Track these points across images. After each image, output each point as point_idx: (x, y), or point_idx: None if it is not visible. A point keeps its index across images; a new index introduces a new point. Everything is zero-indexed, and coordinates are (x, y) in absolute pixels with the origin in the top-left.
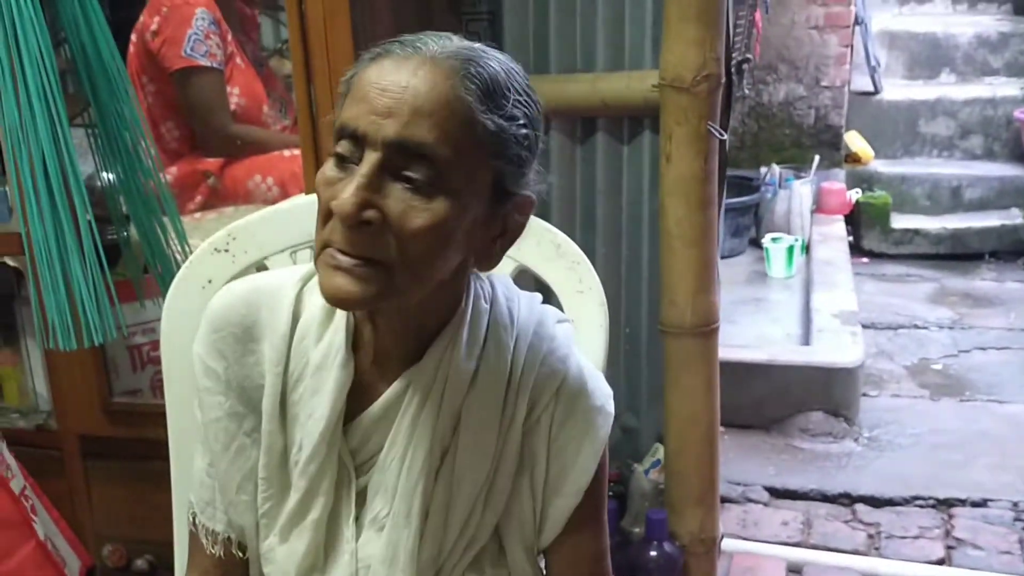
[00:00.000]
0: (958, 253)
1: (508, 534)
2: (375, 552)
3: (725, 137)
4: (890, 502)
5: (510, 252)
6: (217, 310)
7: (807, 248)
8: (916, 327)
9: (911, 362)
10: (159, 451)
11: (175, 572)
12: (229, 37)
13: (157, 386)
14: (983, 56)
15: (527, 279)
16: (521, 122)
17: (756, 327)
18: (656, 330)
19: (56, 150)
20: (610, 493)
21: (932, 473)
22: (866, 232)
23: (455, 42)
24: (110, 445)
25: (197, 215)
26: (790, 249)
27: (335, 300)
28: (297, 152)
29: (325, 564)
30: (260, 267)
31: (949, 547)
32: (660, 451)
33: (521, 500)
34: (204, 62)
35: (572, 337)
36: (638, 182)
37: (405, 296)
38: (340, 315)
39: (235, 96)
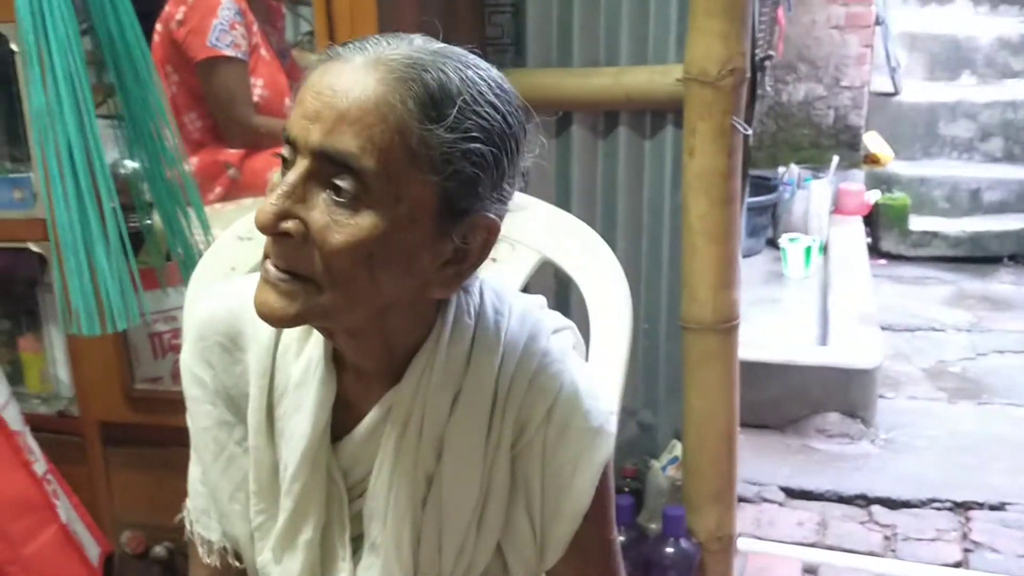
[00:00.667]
0: (977, 256)
1: (510, 557)
2: None
3: (749, 132)
4: (906, 504)
5: (533, 243)
6: (202, 318)
7: (824, 249)
8: (934, 329)
9: (928, 364)
10: (179, 438)
11: None
12: (254, 28)
13: (178, 373)
14: (1004, 58)
15: (549, 271)
16: (473, 135)
17: (773, 327)
18: (675, 326)
19: (82, 136)
20: (627, 489)
21: (949, 476)
22: (884, 234)
23: (414, 44)
24: (131, 432)
25: (217, 206)
26: (808, 249)
27: (260, 314)
28: None
29: None
30: None
31: (966, 550)
32: (678, 448)
33: (519, 524)
34: (229, 52)
35: (569, 348)
36: (660, 177)
37: (336, 318)
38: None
39: (258, 87)
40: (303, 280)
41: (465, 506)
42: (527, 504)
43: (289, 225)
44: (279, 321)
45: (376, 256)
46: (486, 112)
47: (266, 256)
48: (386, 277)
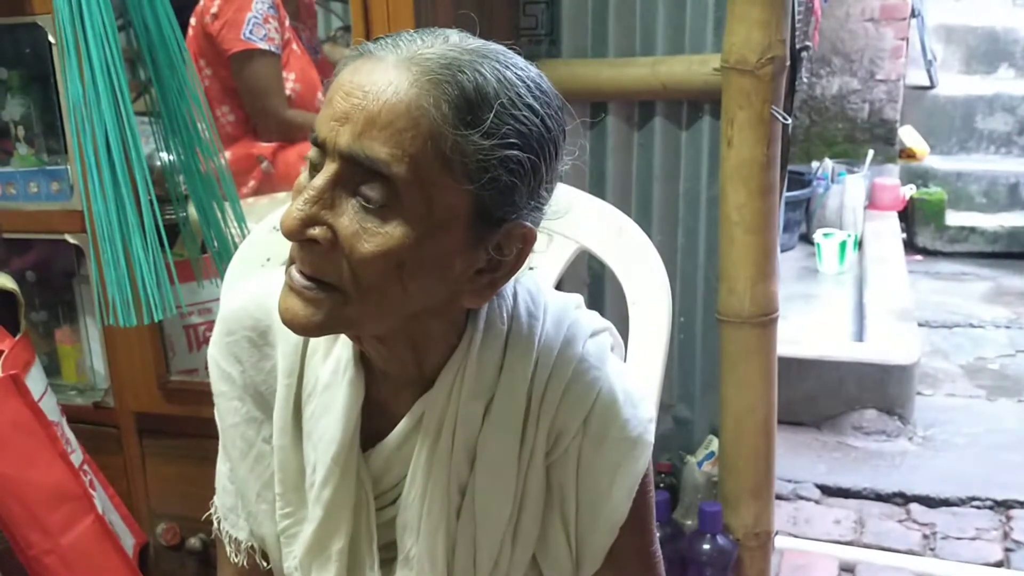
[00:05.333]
0: (1015, 251)
1: (546, 569)
2: None
3: (789, 122)
4: (946, 502)
5: (570, 233)
6: (230, 313)
7: (859, 244)
8: (972, 326)
9: (967, 361)
10: (214, 430)
11: None
12: (287, 22)
13: None
14: None
15: (583, 261)
16: (511, 141)
17: (808, 323)
18: (711, 319)
19: (119, 128)
20: (662, 484)
21: (989, 474)
22: (920, 229)
23: (449, 41)
24: (166, 423)
25: (250, 199)
26: (842, 244)
27: (285, 322)
28: None
29: None
30: None
31: (1008, 549)
32: (714, 443)
33: (555, 535)
34: (263, 45)
35: (607, 352)
36: (696, 168)
37: (363, 326)
38: None
39: (290, 81)
40: (329, 288)
41: (499, 517)
42: (562, 515)
43: (316, 232)
44: (304, 329)
45: (406, 266)
46: (524, 116)
47: (291, 261)
48: (416, 286)
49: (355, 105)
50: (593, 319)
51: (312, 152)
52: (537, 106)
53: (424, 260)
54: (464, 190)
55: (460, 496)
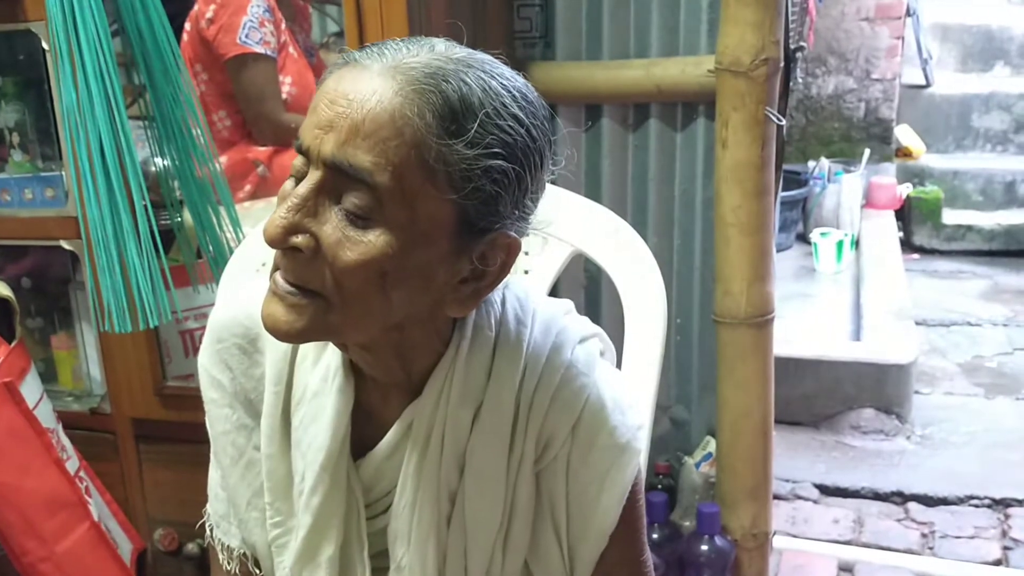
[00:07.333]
0: (1012, 249)
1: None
2: None
3: (783, 123)
4: (944, 501)
5: (566, 236)
6: (219, 320)
7: (856, 243)
8: (969, 324)
9: (964, 359)
10: None
11: None
12: (283, 25)
13: None
14: None
15: (579, 265)
16: (495, 151)
17: (805, 322)
18: (708, 320)
19: (113, 134)
20: (660, 486)
21: (987, 472)
22: (917, 228)
23: (435, 50)
24: (163, 429)
25: (247, 204)
26: (839, 244)
27: (267, 327)
28: None
29: None
30: None
31: (1006, 548)
32: (712, 444)
33: (547, 544)
34: (259, 49)
35: (596, 359)
36: (691, 170)
37: (346, 334)
38: None
39: (287, 85)
40: (312, 295)
41: (490, 525)
42: (553, 523)
43: (299, 240)
44: (285, 336)
45: (389, 275)
46: (509, 126)
47: (275, 268)
48: (399, 295)
49: (339, 113)
50: (582, 325)
51: (296, 160)
52: (522, 116)
53: (407, 269)
54: (448, 200)
55: (450, 504)
